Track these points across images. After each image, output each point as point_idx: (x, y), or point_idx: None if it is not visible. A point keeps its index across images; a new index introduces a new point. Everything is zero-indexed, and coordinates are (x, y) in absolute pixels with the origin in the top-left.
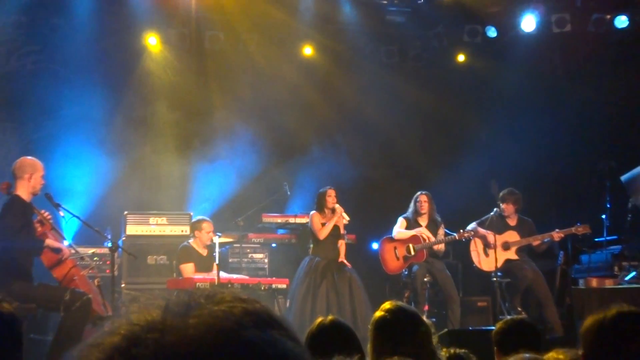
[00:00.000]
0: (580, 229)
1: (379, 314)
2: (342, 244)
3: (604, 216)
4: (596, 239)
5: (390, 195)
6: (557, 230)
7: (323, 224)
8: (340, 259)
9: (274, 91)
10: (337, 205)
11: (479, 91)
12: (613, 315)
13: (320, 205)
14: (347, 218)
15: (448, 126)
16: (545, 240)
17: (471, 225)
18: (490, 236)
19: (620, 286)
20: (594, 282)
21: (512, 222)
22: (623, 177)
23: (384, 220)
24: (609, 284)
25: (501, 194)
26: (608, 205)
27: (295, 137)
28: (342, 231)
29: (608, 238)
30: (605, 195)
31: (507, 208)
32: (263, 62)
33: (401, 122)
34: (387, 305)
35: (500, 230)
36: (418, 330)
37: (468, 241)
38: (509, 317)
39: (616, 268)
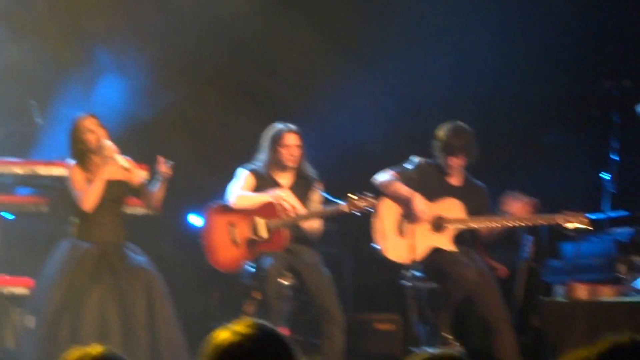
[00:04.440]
0: (572, 219)
1: (225, 336)
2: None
3: (606, 175)
4: (590, 215)
5: (223, 127)
6: (564, 211)
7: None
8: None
9: None
10: (105, 142)
11: None
12: (608, 349)
13: (74, 148)
14: (125, 164)
15: None
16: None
17: (382, 177)
18: (417, 199)
19: (626, 299)
20: (582, 291)
21: (454, 179)
22: None
23: (212, 173)
24: (607, 294)
25: (441, 132)
26: (614, 157)
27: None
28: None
29: (611, 214)
30: (610, 138)
31: (454, 159)
32: None
33: None
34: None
35: (432, 192)
36: None
37: (368, 215)
38: (429, 350)
39: (622, 267)
